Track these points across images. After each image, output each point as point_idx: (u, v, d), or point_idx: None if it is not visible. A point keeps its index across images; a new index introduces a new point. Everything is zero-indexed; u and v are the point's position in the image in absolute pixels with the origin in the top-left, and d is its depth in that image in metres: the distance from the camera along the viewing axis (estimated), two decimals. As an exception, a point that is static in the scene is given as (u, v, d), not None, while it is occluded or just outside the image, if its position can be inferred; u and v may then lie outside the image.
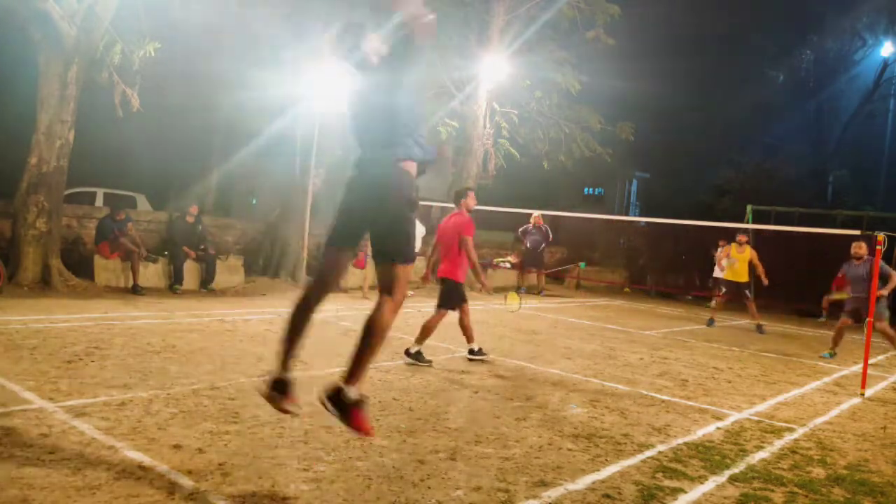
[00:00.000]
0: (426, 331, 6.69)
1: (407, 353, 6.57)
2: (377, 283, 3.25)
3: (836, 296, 13.63)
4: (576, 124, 15.87)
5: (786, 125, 30.43)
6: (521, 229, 15.82)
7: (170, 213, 12.02)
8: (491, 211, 15.73)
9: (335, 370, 5.93)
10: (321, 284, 3.39)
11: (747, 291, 11.50)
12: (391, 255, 3.20)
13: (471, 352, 6.97)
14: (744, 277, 11.40)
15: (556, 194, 26.19)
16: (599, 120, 15.94)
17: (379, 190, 3.18)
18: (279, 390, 3.31)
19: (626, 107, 20.28)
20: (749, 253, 11.37)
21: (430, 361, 6.57)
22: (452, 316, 7.00)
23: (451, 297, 6.82)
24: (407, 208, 3.20)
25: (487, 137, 14.90)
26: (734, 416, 5.52)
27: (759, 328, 11.32)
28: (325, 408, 3.19)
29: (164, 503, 3.09)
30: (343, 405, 3.13)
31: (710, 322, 11.74)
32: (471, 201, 6.85)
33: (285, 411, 3.36)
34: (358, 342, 3.17)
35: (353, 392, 3.13)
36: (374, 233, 3.26)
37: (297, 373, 3.44)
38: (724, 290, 11.71)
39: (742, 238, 11.45)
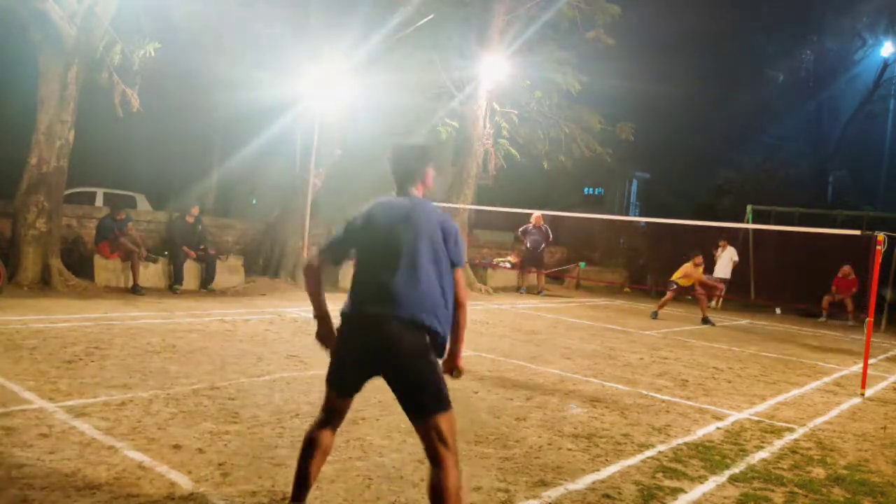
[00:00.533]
0: None
1: None
2: (424, 444, 2.84)
3: None
4: (576, 124, 15.86)
5: (786, 125, 30.42)
6: (521, 229, 15.82)
7: (170, 213, 12.01)
8: (491, 211, 15.74)
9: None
10: (328, 423, 3.07)
11: (699, 288, 12.53)
12: (428, 409, 2.82)
13: None
14: (689, 283, 12.32)
15: (556, 194, 26.18)
16: (599, 120, 15.92)
17: (396, 351, 2.84)
18: None
19: (626, 107, 20.27)
20: (701, 272, 12.32)
21: None
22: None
23: None
24: (430, 355, 2.89)
25: (487, 137, 14.89)
26: (734, 416, 5.52)
27: (706, 320, 12.17)
28: None
29: (164, 503, 3.09)
30: None
31: (654, 314, 12.40)
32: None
33: None
34: None
35: None
36: (398, 390, 2.91)
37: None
38: (675, 286, 12.39)
39: (697, 260, 12.17)
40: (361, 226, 3.04)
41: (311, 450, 3.01)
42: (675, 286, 12.31)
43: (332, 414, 3.05)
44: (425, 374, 2.84)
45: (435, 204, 3.04)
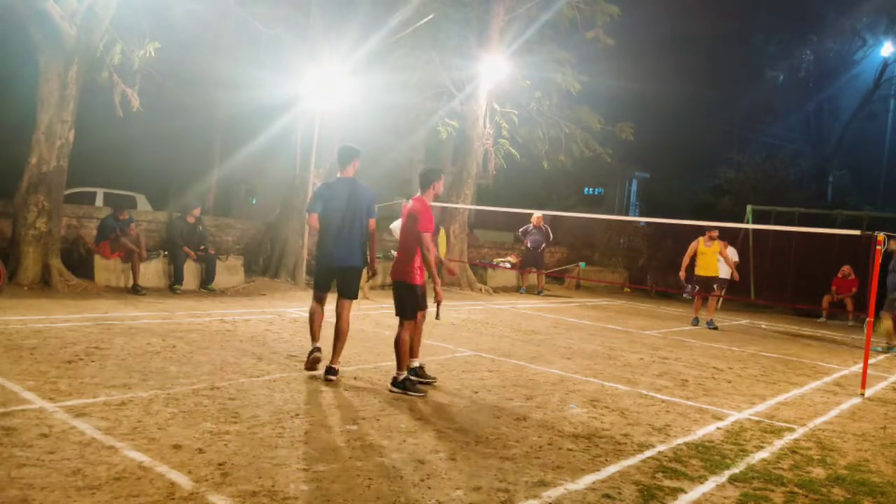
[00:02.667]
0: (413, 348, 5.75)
1: (394, 382, 5.44)
2: (337, 308, 5.68)
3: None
4: (576, 124, 15.85)
5: (786, 125, 30.45)
6: (521, 229, 15.82)
7: (170, 213, 12.01)
8: (491, 211, 15.73)
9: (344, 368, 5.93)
10: (319, 305, 5.85)
11: (716, 286, 11.41)
12: (350, 295, 5.73)
13: (394, 382, 5.45)
14: (714, 272, 11.24)
15: (556, 194, 26.21)
16: (599, 120, 15.92)
17: (348, 267, 5.71)
18: (315, 359, 5.74)
19: (626, 107, 20.30)
20: (717, 247, 11.18)
21: (426, 387, 5.60)
22: (452, 316, 6.99)
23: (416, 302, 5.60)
24: (360, 272, 5.80)
25: (487, 137, 14.89)
26: (734, 416, 5.52)
27: (710, 323, 11.28)
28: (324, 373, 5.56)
29: (164, 503, 3.10)
30: (332, 370, 5.61)
31: (695, 321, 11.50)
32: (440, 186, 5.70)
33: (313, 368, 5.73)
34: (334, 337, 5.68)
35: (336, 365, 5.64)
36: (340, 285, 5.74)
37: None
38: (696, 287, 11.34)
39: (712, 233, 11.14)
40: (326, 193, 5.71)
41: (314, 319, 5.80)
42: (696, 287, 11.21)
43: (320, 301, 5.82)
44: (355, 281, 5.76)
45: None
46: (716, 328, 11.18)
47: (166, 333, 6.99)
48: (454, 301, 12.34)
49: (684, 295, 15.30)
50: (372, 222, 5.69)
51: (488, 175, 15.54)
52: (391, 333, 6.75)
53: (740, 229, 15.47)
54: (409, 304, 5.50)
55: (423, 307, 5.70)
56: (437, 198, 5.75)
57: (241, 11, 11.28)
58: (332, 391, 5.29)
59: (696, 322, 11.50)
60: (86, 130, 10.62)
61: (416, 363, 5.75)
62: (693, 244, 11.29)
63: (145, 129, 15.52)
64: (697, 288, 11.32)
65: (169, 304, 9.20)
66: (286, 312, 9.17)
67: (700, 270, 11.24)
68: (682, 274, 11.38)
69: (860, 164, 30.69)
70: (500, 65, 14.09)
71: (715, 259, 11.21)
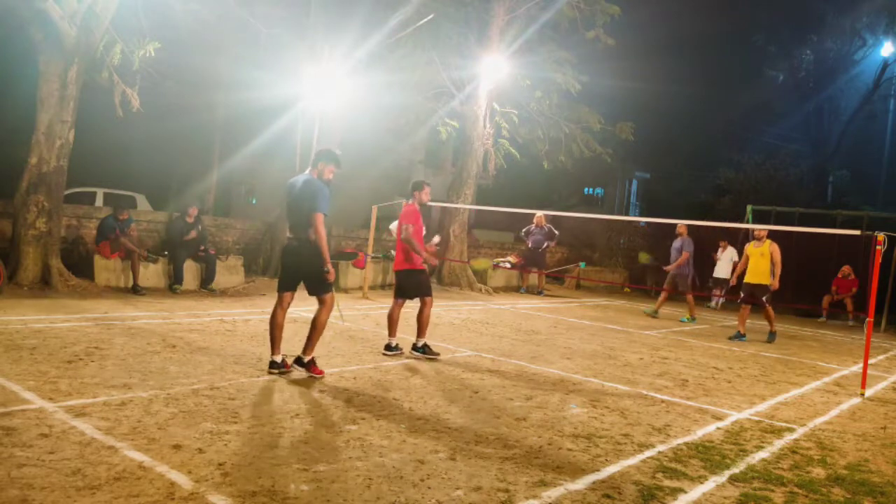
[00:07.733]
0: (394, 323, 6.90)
1: (414, 347, 6.90)
2: (317, 299, 5.66)
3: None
4: (576, 124, 15.86)
5: (786, 125, 30.47)
6: (523, 230, 15.81)
7: (170, 214, 12.01)
8: (491, 211, 15.72)
9: (334, 370, 5.93)
10: (281, 309, 5.69)
11: (765, 296, 9.92)
12: (318, 292, 5.62)
13: (414, 347, 6.93)
14: (757, 278, 9.92)
15: (556, 194, 26.25)
16: (599, 120, 15.93)
17: (305, 259, 5.55)
18: (276, 368, 5.67)
19: (626, 107, 20.35)
20: (768, 247, 9.85)
21: (437, 354, 6.90)
22: (452, 316, 7.02)
23: (420, 287, 6.94)
24: (321, 265, 5.47)
25: (487, 137, 14.90)
26: (734, 416, 5.52)
27: (771, 335, 10.20)
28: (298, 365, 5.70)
29: (164, 503, 3.10)
30: (303, 363, 5.73)
31: (740, 336, 10.08)
32: (425, 196, 6.97)
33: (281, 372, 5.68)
34: (310, 330, 5.69)
35: (307, 358, 5.72)
36: (306, 281, 5.64)
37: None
38: (742, 294, 10.20)
39: (758, 232, 9.87)
40: (287, 190, 5.77)
41: (274, 325, 5.66)
42: (741, 293, 10.02)
43: (282, 303, 5.67)
44: (317, 276, 5.54)
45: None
46: (772, 341, 10.02)
47: (166, 333, 6.99)
48: (454, 301, 12.33)
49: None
50: (315, 217, 5.40)
51: (488, 175, 15.56)
52: (391, 333, 6.83)
53: (740, 229, 15.47)
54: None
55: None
56: (422, 204, 6.94)
57: (241, 11, 11.29)
58: (332, 391, 5.29)
59: (740, 337, 10.03)
60: (86, 130, 10.62)
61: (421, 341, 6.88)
62: (746, 247, 10.18)
63: (145, 129, 15.53)
64: (742, 296, 10.14)
65: (169, 304, 9.20)
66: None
67: (745, 277, 10.07)
68: (732, 280, 10.57)
69: (860, 164, 30.72)
70: (500, 65, 14.09)
71: (760, 262, 9.82)
